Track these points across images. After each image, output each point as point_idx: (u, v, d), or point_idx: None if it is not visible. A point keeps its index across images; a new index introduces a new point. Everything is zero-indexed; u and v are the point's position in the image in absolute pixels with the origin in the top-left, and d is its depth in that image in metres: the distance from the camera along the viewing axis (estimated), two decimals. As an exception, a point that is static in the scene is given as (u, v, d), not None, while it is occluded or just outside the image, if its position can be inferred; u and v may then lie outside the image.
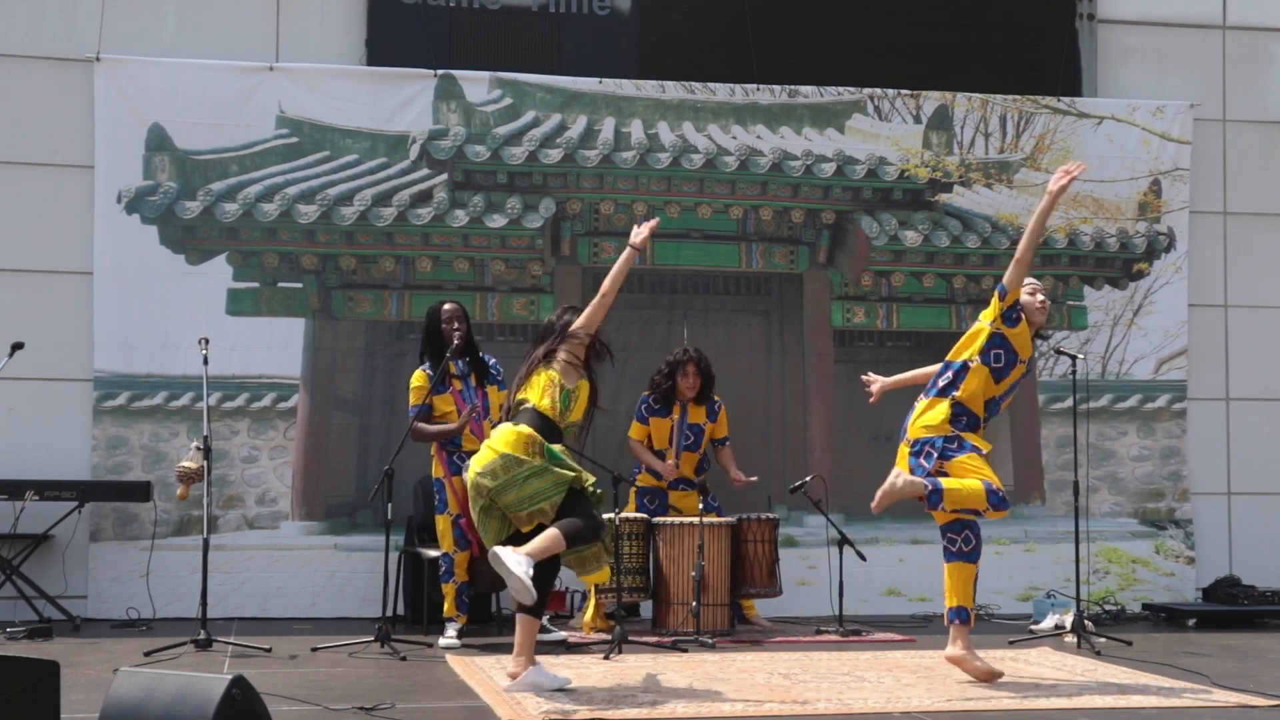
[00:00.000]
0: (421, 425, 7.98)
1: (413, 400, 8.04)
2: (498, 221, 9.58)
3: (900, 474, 6.60)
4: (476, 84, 9.66)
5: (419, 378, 8.06)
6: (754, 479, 8.87)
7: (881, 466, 9.48)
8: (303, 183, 9.42)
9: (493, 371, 8.19)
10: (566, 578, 9.16)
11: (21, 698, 4.44)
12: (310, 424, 9.35)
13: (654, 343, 9.63)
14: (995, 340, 6.77)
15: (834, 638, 8.36)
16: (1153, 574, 10.09)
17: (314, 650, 7.52)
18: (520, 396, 6.55)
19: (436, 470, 8.06)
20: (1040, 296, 6.86)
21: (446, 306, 8.12)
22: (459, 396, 8.05)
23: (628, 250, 6.74)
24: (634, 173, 9.78)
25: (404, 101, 9.56)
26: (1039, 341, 7.10)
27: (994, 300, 6.82)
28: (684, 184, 9.87)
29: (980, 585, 9.79)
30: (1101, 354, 10.24)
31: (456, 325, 8.00)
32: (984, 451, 6.71)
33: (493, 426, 8.01)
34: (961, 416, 6.73)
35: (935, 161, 10.12)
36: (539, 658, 6.52)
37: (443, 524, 8.04)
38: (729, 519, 8.61)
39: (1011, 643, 8.14)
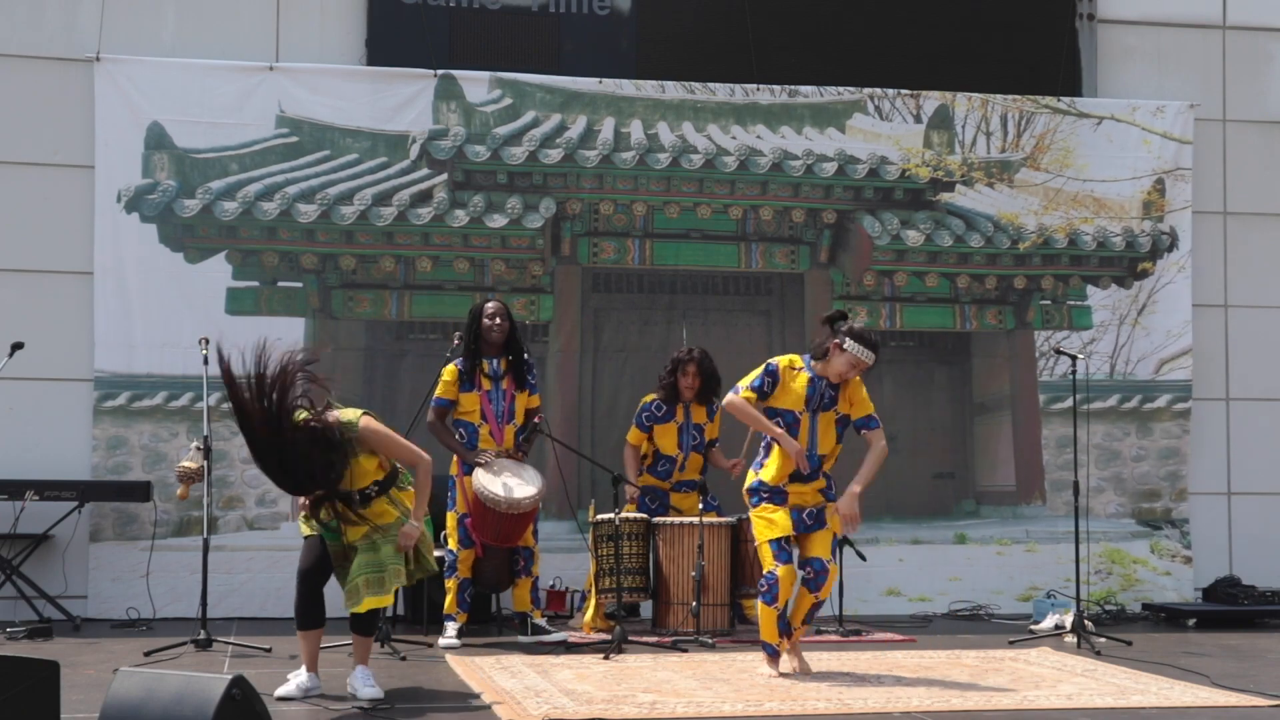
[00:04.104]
0: (439, 425, 8.01)
1: (438, 392, 8.05)
2: (498, 221, 9.58)
3: None
4: (476, 84, 9.65)
5: (450, 371, 8.07)
6: (739, 459, 8.80)
7: (883, 467, 9.51)
8: (303, 182, 9.42)
9: (529, 377, 8.19)
10: (567, 578, 9.18)
11: (21, 698, 4.44)
12: (310, 424, 9.32)
13: (653, 343, 9.63)
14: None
15: (834, 638, 8.36)
16: (1150, 573, 10.09)
17: (314, 650, 7.50)
18: None
19: (452, 468, 8.08)
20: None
21: (489, 305, 8.09)
22: (485, 397, 8.06)
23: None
24: (634, 173, 9.78)
25: (404, 101, 9.56)
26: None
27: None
28: (683, 184, 9.87)
29: (980, 585, 9.94)
30: (1109, 354, 10.23)
31: (499, 322, 8.00)
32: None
33: (516, 431, 8.06)
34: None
35: (936, 161, 10.11)
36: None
37: (451, 521, 8.07)
38: (729, 519, 8.61)
39: (1011, 643, 8.13)
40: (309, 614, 6.30)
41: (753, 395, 6.89)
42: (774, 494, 6.87)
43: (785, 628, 6.88)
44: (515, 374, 8.10)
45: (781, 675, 6.83)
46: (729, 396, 6.96)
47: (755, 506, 6.93)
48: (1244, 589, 9.63)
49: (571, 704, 6.02)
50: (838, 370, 6.80)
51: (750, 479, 6.99)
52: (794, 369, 6.88)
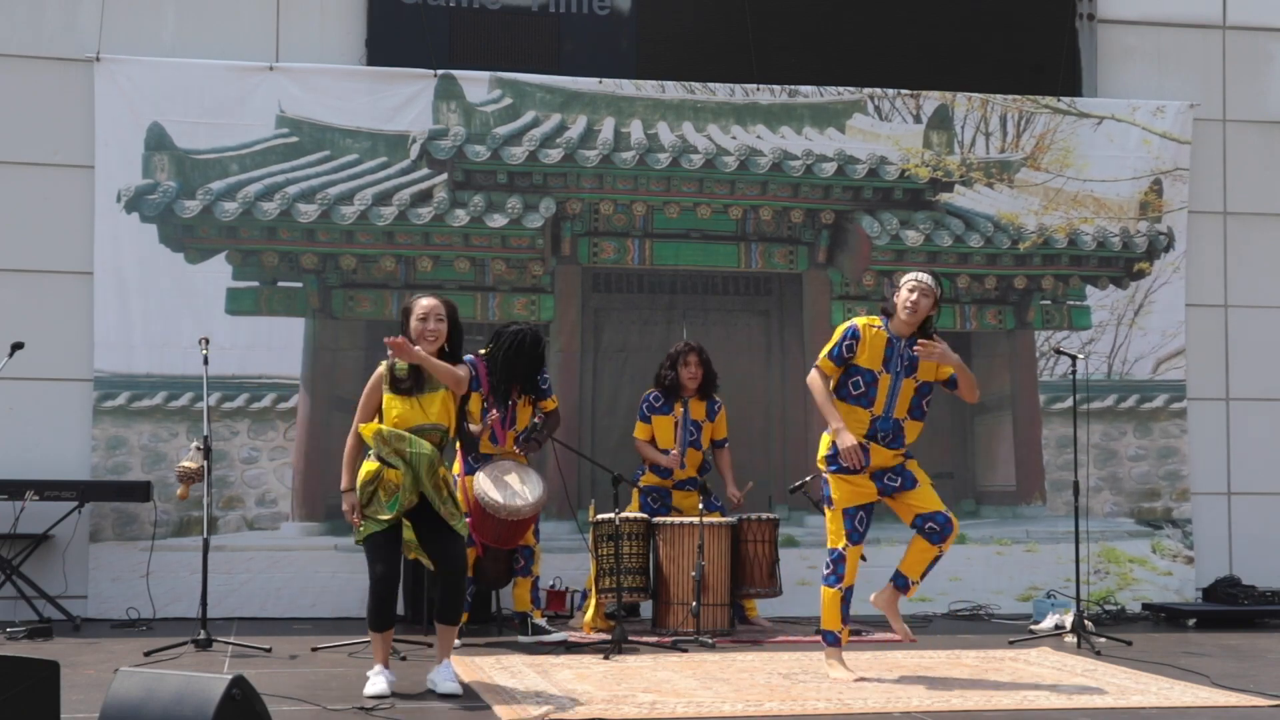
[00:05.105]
0: None
1: None
2: (498, 221, 9.58)
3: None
4: (476, 84, 9.66)
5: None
6: (750, 485, 8.88)
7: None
8: (303, 182, 9.42)
9: (541, 384, 8.22)
10: (567, 577, 9.18)
11: (21, 698, 4.44)
12: (310, 424, 9.34)
13: (653, 343, 9.63)
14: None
15: (834, 638, 8.35)
16: (1150, 573, 10.09)
17: (314, 650, 7.53)
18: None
19: (455, 467, 8.08)
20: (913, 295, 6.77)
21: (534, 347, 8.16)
22: (490, 399, 8.07)
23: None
24: (634, 173, 9.78)
25: (404, 101, 9.56)
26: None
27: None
28: (683, 184, 9.87)
29: (980, 585, 9.94)
30: (1107, 354, 10.23)
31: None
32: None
33: (517, 437, 8.06)
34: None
35: (936, 161, 10.11)
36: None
37: (452, 519, 8.07)
38: (729, 519, 8.61)
39: (1011, 643, 8.14)
40: (384, 616, 6.36)
41: (830, 365, 6.78)
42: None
43: (848, 614, 6.79)
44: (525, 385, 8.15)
45: (857, 679, 6.69)
46: (810, 373, 6.86)
47: (833, 473, 6.75)
48: (1244, 589, 9.63)
49: (572, 704, 6.02)
50: (907, 301, 6.68)
51: (825, 445, 6.79)
52: (873, 327, 6.79)
